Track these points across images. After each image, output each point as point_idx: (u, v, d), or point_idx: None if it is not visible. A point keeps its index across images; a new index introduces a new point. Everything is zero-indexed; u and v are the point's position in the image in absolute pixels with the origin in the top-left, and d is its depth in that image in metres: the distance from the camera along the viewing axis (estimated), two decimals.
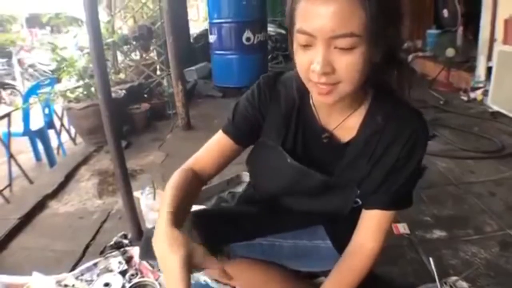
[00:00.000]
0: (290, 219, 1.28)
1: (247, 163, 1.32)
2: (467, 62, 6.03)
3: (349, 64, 0.90)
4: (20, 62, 11.12)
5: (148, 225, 2.48)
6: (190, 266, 0.90)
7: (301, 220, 1.28)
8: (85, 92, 4.43)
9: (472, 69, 5.73)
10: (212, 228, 1.12)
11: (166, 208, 1.02)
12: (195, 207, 1.99)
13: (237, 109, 1.26)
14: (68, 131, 5.31)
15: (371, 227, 1.15)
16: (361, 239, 1.15)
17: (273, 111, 1.20)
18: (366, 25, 0.87)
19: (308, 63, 0.94)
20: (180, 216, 1.03)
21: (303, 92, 1.15)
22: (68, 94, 4.51)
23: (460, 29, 6.48)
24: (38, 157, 4.91)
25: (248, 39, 6.03)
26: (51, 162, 4.70)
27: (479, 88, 5.31)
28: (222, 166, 1.28)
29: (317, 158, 1.17)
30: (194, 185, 1.19)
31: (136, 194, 2.48)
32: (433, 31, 7.55)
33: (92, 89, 4.46)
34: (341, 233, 1.23)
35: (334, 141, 1.16)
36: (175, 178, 1.16)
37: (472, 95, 5.31)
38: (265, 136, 1.23)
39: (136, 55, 6.25)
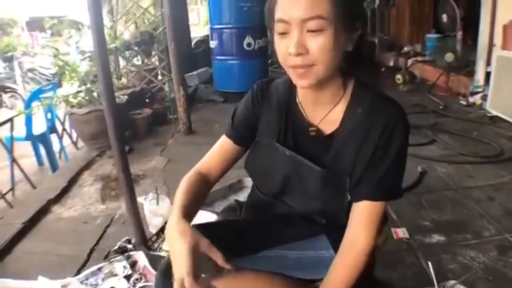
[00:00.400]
0: (294, 230, 1.31)
1: (246, 166, 1.38)
2: (466, 67, 6.06)
3: (320, 45, 1.01)
4: (20, 65, 11.14)
5: (152, 230, 2.52)
6: (196, 253, 1.01)
7: (304, 230, 1.31)
8: (87, 98, 4.46)
9: (471, 73, 5.75)
10: (219, 242, 1.13)
11: (178, 203, 1.15)
12: (204, 214, 2.04)
13: (236, 114, 1.37)
14: (70, 136, 5.34)
15: (360, 220, 1.16)
16: (352, 234, 1.17)
17: (266, 112, 1.31)
18: (331, 10, 1.00)
19: (285, 49, 1.05)
20: (189, 212, 1.15)
21: (291, 92, 1.27)
22: (71, 99, 4.54)
23: (459, 34, 6.52)
24: (40, 162, 4.94)
25: (249, 44, 6.07)
26: (53, 166, 4.73)
27: (478, 92, 5.33)
28: (226, 168, 1.37)
29: (307, 152, 1.23)
30: (202, 187, 1.29)
31: (139, 199, 2.52)
32: (432, 36, 7.58)
33: (95, 94, 4.49)
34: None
35: (320, 135, 1.22)
36: (185, 180, 1.27)
37: (471, 99, 5.34)
38: (260, 136, 1.32)
39: (138, 61, 6.28)
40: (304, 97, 1.24)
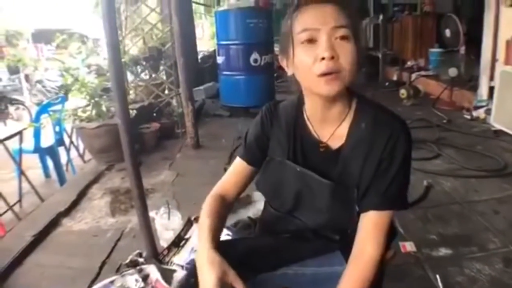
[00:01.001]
0: (310, 247, 1.35)
1: (257, 185, 1.44)
2: (470, 81, 6.11)
3: (348, 52, 1.10)
4: (28, 78, 11.24)
5: (163, 244, 2.55)
6: (223, 283, 1.12)
7: (319, 247, 1.34)
8: (94, 112, 4.52)
9: (474, 88, 5.79)
10: (239, 261, 1.20)
11: (204, 228, 1.26)
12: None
13: (247, 136, 1.45)
14: (77, 149, 5.39)
15: (368, 230, 1.19)
16: (360, 244, 1.20)
17: (276, 131, 1.37)
18: (352, 23, 1.11)
19: (313, 57, 1.10)
20: (216, 235, 1.26)
21: (299, 111, 1.33)
22: (80, 113, 4.59)
23: (462, 49, 6.57)
24: (47, 174, 4.97)
25: (255, 60, 6.14)
26: (61, 179, 4.76)
27: (481, 107, 5.38)
28: (242, 188, 1.45)
29: (317, 168, 1.28)
30: (223, 208, 1.38)
31: (150, 214, 2.55)
32: (435, 50, 7.64)
33: (103, 108, 4.55)
34: None
35: (328, 150, 1.27)
36: (207, 206, 1.36)
37: (475, 114, 5.38)
38: (271, 154, 1.38)
39: (145, 75, 6.34)
40: (312, 115, 1.29)
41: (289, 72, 1.22)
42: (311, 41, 1.11)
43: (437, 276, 1.62)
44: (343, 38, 1.10)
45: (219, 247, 1.21)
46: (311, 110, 1.29)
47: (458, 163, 3.84)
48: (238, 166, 1.44)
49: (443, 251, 2.48)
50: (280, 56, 1.26)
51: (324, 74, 1.10)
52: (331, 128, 1.26)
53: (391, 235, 1.36)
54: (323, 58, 1.08)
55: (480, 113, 5.30)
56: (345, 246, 1.28)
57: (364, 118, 1.22)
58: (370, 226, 1.19)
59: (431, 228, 2.74)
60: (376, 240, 1.18)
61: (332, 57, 1.08)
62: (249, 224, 1.63)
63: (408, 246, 2.46)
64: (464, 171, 3.67)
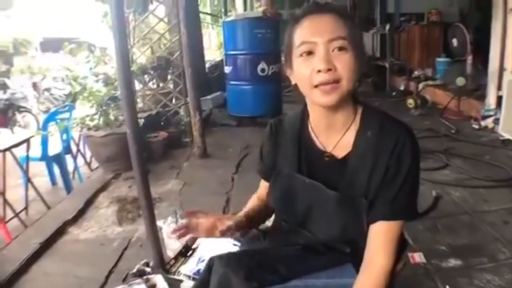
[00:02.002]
0: (321, 261, 1.33)
1: (268, 198, 1.46)
2: (477, 91, 6.09)
3: (345, 62, 1.13)
4: (35, 86, 11.31)
5: (170, 254, 2.53)
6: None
7: (331, 260, 1.33)
8: (102, 120, 4.53)
9: (482, 97, 5.77)
10: (251, 274, 1.22)
11: None
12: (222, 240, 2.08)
13: (260, 152, 1.53)
14: (84, 157, 5.41)
15: (378, 240, 1.20)
16: (370, 254, 1.20)
17: (282, 144, 1.40)
18: (350, 34, 1.14)
19: (311, 70, 1.14)
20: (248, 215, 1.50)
21: (304, 122, 1.36)
22: (88, 122, 4.61)
23: (469, 58, 6.56)
24: (54, 182, 4.97)
25: (262, 70, 6.15)
26: (68, 187, 4.77)
27: (489, 116, 5.35)
28: None
29: (322, 178, 1.29)
30: (261, 205, 1.57)
31: (158, 223, 2.54)
32: (442, 60, 7.63)
33: (111, 116, 4.57)
34: None
35: (334, 160, 1.28)
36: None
37: (483, 123, 5.35)
38: (279, 167, 1.40)
39: (153, 84, 6.37)
40: (317, 125, 1.31)
41: (293, 82, 1.26)
42: (310, 53, 1.15)
43: (447, 287, 1.60)
44: (340, 49, 1.13)
45: (229, 258, 1.25)
46: (315, 120, 1.31)
47: (466, 173, 3.81)
48: (261, 182, 1.57)
49: (453, 262, 2.46)
50: (284, 67, 1.30)
51: (322, 85, 1.14)
52: (336, 137, 1.27)
53: (401, 246, 1.36)
54: (319, 71, 1.12)
55: (488, 122, 5.27)
56: (356, 259, 1.28)
57: (370, 126, 1.23)
58: (380, 237, 1.20)
59: (441, 239, 2.72)
60: (387, 251, 1.18)
61: (329, 69, 1.12)
62: (258, 235, 1.62)
63: (418, 257, 2.44)
64: (473, 181, 3.65)
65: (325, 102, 1.16)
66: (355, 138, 1.24)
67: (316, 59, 1.13)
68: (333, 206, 1.26)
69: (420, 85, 7.41)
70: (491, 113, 5.37)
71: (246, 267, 1.24)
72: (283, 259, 1.34)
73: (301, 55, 1.16)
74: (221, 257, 1.33)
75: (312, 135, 1.33)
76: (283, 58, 1.30)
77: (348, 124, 1.26)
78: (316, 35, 1.13)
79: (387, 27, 8.64)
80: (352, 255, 1.31)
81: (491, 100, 5.48)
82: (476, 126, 5.38)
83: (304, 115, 1.36)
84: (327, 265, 1.33)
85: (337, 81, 1.13)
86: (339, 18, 1.16)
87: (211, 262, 1.33)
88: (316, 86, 1.15)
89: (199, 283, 1.39)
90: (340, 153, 1.27)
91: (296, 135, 1.36)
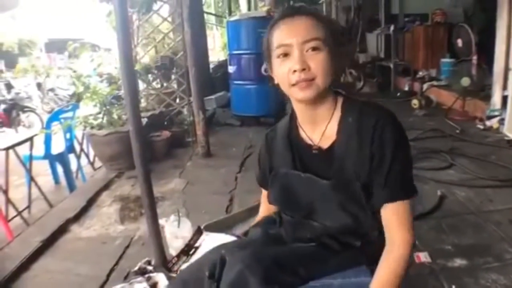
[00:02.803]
0: (337, 258, 1.33)
1: (269, 199, 1.53)
2: (482, 91, 6.05)
3: (319, 61, 1.21)
4: (39, 86, 11.35)
5: (172, 252, 2.52)
6: None
7: (346, 261, 1.33)
8: (105, 119, 4.53)
9: (487, 98, 5.72)
10: (270, 276, 1.20)
11: None
12: (224, 238, 2.06)
13: (258, 162, 1.61)
14: (87, 156, 5.41)
15: (392, 222, 1.23)
16: (391, 236, 1.24)
17: (276, 147, 1.48)
18: (324, 34, 1.22)
19: (288, 69, 1.23)
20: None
21: (292, 120, 1.43)
22: (91, 120, 4.61)
23: (474, 58, 6.52)
24: (57, 180, 4.98)
25: (266, 70, 6.05)
26: (71, 186, 4.77)
27: (495, 116, 5.31)
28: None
29: (315, 170, 1.34)
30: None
31: (160, 221, 2.52)
32: (447, 60, 7.58)
33: (115, 115, 4.56)
34: None
35: (322, 151, 1.34)
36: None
37: (488, 123, 5.31)
38: (276, 168, 1.46)
39: (157, 84, 6.37)
40: (302, 120, 1.38)
41: (275, 81, 1.33)
42: (286, 55, 1.23)
43: (453, 287, 1.57)
44: (314, 49, 1.21)
45: (245, 255, 1.28)
46: (300, 115, 1.38)
47: (472, 173, 3.77)
48: (263, 193, 1.63)
49: (458, 262, 2.43)
50: (267, 67, 1.37)
51: (298, 83, 1.22)
52: (321, 129, 1.34)
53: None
54: (295, 71, 1.21)
55: (493, 122, 5.23)
56: (368, 251, 1.31)
57: (350, 113, 1.29)
58: (392, 219, 1.24)
59: (446, 239, 2.69)
60: (404, 227, 1.22)
61: (303, 69, 1.20)
62: (273, 220, 1.62)
63: (423, 257, 2.42)
64: (478, 181, 3.61)
65: (303, 97, 1.25)
66: (338, 126, 1.30)
67: (291, 60, 1.22)
68: (330, 194, 1.29)
69: (425, 86, 7.37)
70: (496, 113, 5.33)
71: (265, 269, 1.21)
72: (301, 259, 1.32)
73: (278, 56, 1.25)
74: (237, 253, 1.31)
75: (300, 131, 1.40)
76: (264, 61, 1.37)
77: (330, 115, 1.32)
78: (291, 37, 1.22)
79: (392, 27, 8.61)
80: (365, 248, 1.32)
81: (496, 100, 5.45)
82: (481, 127, 5.33)
83: (292, 116, 1.43)
84: (342, 264, 1.33)
85: (311, 79, 1.22)
86: (313, 19, 1.24)
87: (222, 257, 1.30)
88: (293, 85, 1.23)
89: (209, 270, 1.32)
90: (326, 143, 1.33)
91: (287, 135, 1.43)
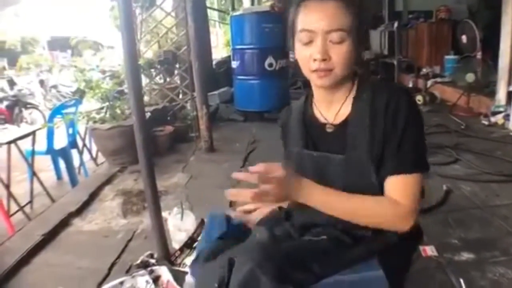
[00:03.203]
0: (350, 253, 1.29)
1: None
2: (487, 87, 6.03)
3: (340, 53, 1.20)
4: (42, 83, 11.36)
5: (175, 245, 2.50)
6: None
7: (359, 253, 1.29)
8: (108, 114, 4.51)
9: (492, 94, 5.71)
10: (283, 274, 1.11)
11: None
12: None
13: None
14: (90, 151, 5.39)
15: (396, 193, 1.22)
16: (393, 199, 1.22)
17: (290, 126, 1.48)
18: (350, 24, 1.19)
19: (309, 55, 1.22)
20: None
21: (307, 99, 1.45)
22: (94, 115, 4.59)
23: (479, 54, 6.49)
24: (59, 176, 4.96)
25: (270, 65, 6.10)
26: (73, 181, 4.76)
27: (499, 112, 5.29)
28: None
29: (328, 148, 1.34)
30: None
31: (163, 214, 2.50)
32: (451, 57, 7.57)
33: (118, 110, 4.55)
34: (394, 264, 1.28)
35: (335, 128, 1.34)
36: None
37: (493, 119, 5.29)
38: (289, 147, 1.47)
39: (160, 79, 6.35)
40: (318, 100, 1.39)
41: (296, 57, 1.31)
42: (309, 42, 1.22)
43: (461, 280, 1.54)
44: (337, 40, 1.19)
45: (255, 253, 1.17)
46: (317, 95, 1.39)
47: (477, 167, 3.75)
48: None
49: (465, 256, 2.40)
50: (289, 44, 1.34)
51: (317, 70, 1.22)
52: (336, 109, 1.34)
53: (417, 237, 1.40)
54: (315, 59, 1.21)
55: (498, 118, 5.21)
56: (383, 254, 1.28)
57: (365, 90, 1.29)
58: (397, 190, 1.22)
59: (452, 233, 2.67)
60: (407, 198, 1.21)
61: (324, 59, 1.20)
62: (279, 219, 1.56)
63: (429, 250, 2.39)
64: (484, 176, 3.58)
65: (321, 84, 1.27)
66: (352, 104, 1.30)
67: (313, 47, 1.21)
68: (342, 170, 1.29)
69: (429, 82, 7.34)
70: (501, 109, 5.31)
71: (276, 266, 1.13)
72: (314, 254, 1.26)
73: (301, 40, 1.23)
74: (245, 251, 1.22)
75: (315, 110, 1.40)
76: (291, 55, 1.35)
77: (346, 95, 1.32)
78: (316, 24, 1.19)
79: (395, 24, 8.57)
80: (375, 239, 1.29)
81: (501, 96, 5.42)
82: (486, 122, 5.31)
83: (308, 95, 1.44)
84: (355, 258, 1.28)
85: (330, 70, 1.22)
86: (342, 5, 1.19)
87: (230, 259, 1.19)
88: (312, 71, 1.24)
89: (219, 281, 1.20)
90: (339, 120, 1.33)
91: (301, 114, 1.44)
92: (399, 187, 1.22)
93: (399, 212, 1.21)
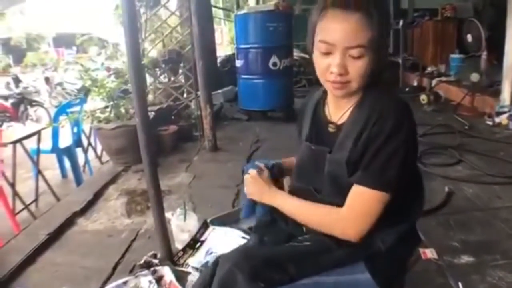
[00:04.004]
0: (331, 257, 1.33)
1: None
2: (492, 87, 6.01)
3: (358, 68, 1.19)
4: (47, 80, 11.40)
5: (178, 246, 2.52)
6: None
7: (342, 257, 1.33)
8: (112, 113, 4.54)
9: (496, 93, 5.70)
10: (257, 273, 1.22)
11: None
12: (231, 232, 2.06)
13: None
14: (94, 150, 5.43)
15: (349, 201, 1.25)
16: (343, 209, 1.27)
17: (304, 117, 1.53)
18: (371, 39, 1.17)
19: (327, 66, 1.22)
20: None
21: (322, 95, 1.46)
22: (98, 114, 4.62)
23: (484, 54, 6.47)
24: (64, 174, 5.00)
25: (274, 64, 6.08)
26: (78, 179, 4.80)
27: (504, 112, 5.28)
28: None
29: (325, 145, 1.37)
30: None
31: (166, 215, 2.52)
32: (456, 56, 7.54)
33: (122, 109, 4.57)
34: (381, 268, 1.30)
35: (336, 130, 1.36)
36: None
37: (497, 119, 5.27)
38: (302, 135, 1.51)
39: (164, 78, 6.36)
40: (330, 100, 1.41)
41: (313, 60, 1.30)
42: (327, 53, 1.21)
43: (460, 284, 1.55)
44: (356, 56, 1.18)
45: (234, 254, 1.32)
46: (329, 96, 1.41)
47: (480, 169, 3.75)
48: None
49: (465, 259, 2.41)
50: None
51: (333, 82, 1.23)
52: (343, 111, 1.35)
53: (413, 241, 1.46)
54: (332, 72, 1.21)
55: (502, 118, 5.20)
56: (370, 258, 1.30)
57: (367, 98, 1.29)
58: (349, 198, 1.25)
59: (453, 235, 2.68)
60: (353, 213, 1.24)
61: (341, 74, 1.20)
62: (269, 221, 1.60)
63: (429, 253, 2.38)
64: (486, 177, 3.59)
65: (335, 95, 1.31)
66: (352, 110, 1.32)
67: (332, 60, 1.20)
68: (328, 168, 1.33)
69: (433, 81, 7.33)
70: (506, 109, 5.30)
71: (252, 265, 1.24)
72: (293, 257, 1.32)
73: (319, 49, 1.23)
74: (227, 253, 1.36)
75: (326, 108, 1.43)
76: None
77: (354, 101, 1.32)
78: (336, 38, 1.18)
79: (401, 22, 8.55)
80: (362, 249, 1.31)
81: (505, 96, 5.43)
82: (490, 123, 5.30)
83: (324, 91, 1.45)
84: (338, 263, 1.33)
85: (347, 82, 1.22)
86: (365, 18, 1.16)
87: (218, 259, 1.34)
88: (328, 81, 1.25)
89: (203, 280, 1.38)
90: (340, 122, 1.35)
91: (313, 107, 1.48)
92: (352, 196, 1.25)
93: (335, 219, 1.27)
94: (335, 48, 1.18)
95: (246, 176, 1.52)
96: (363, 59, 1.18)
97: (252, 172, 1.50)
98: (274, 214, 1.52)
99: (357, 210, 1.24)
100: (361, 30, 1.16)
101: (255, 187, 1.48)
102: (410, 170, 1.30)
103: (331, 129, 1.38)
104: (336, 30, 1.18)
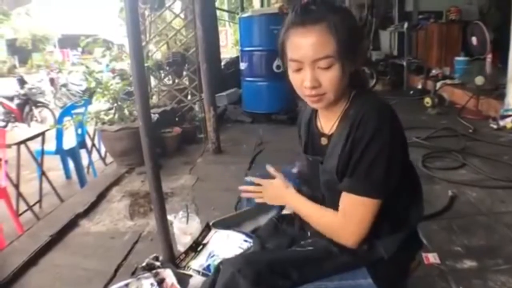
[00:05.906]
0: (333, 263, 1.33)
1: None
2: (496, 90, 5.98)
3: (330, 79, 1.22)
4: (52, 81, 11.44)
5: (180, 248, 2.52)
6: None
7: (344, 263, 1.33)
8: (116, 115, 4.55)
9: (501, 97, 5.66)
10: (260, 278, 1.23)
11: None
12: (233, 235, 2.06)
13: None
14: (98, 151, 5.45)
15: (341, 209, 1.29)
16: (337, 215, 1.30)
17: (301, 132, 1.56)
18: (337, 48, 1.18)
19: (300, 82, 1.25)
20: None
21: (314, 110, 1.48)
22: (102, 116, 4.63)
23: (489, 57, 6.45)
24: (68, 175, 5.03)
25: (278, 67, 6.02)
26: (82, 181, 4.82)
27: (508, 116, 5.24)
28: None
29: (319, 155, 1.41)
30: None
31: (169, 217, 2.52)
32: (461, 59, 7.51)
33: (126, 111, 4.58)
34: (383, 273, 1.31)
35: (328, 141, 1.39)
36: None
37: (501, 123, 5.24)
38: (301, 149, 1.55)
39: (168, 80, 6.38)
40: (321, 112, 1.44)
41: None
42: (299, 70, 1.24)
43: None
44: (325, 66, 1.20)
45: (238, 259, 1.34)
46: (319, 110, 1.44)
47: (484, 173, 3.73)
48: None
49: (468, 263, 2.40)
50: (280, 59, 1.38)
51: (310, 96, 1.26)
52: (333, 122, 1.37)
53: (415, 246, 1.44)
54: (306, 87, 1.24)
55: (507, 122, 5.16)
56: (373, 264, 1.31)
57: (354, 106, 1.30)
58: (341, 204, 1.29)
59: (456, 240, 2.66)
60: (346, 220, 1.27)
61: (314, 87, 1.22)
62: (273, 225, 1.62)
63: (432, 258, 2.39)
64: (490, 182, 3.56)
65: (315, 107, 1.38)
66: (340, 119, 1.33)
67: (303, 75, 1.23)
68: (322, 178, 1.39)
69: (438, 84, 7.30)
70: (510, 113, 5.27)
71: (255, 271, 1.24)
72: (296, 262, 1.33)
73: (291, 68, 1.27)
74: (230, 258, 1.38)
75: (317, 120, 1.46)
76: (278, 58, 1.38)
77: (342, 110, 1.33)
78: (302, 54, 1.21)
79: (405, 25, 8.55)
80: (365, 255, 1.32)
81: (510, 99, 5.39)
82: (495, 126, 5.27)
83: None
84: (340, 268, 1.33)
85: (322, 94, 1.25)
86: (326, 28, 1.19)
87: (221, 264, 1.35)
88: (306, 95, 1.28)
89: (205, 286, 1.39)
90: (331, 133, 1.37)
91: (307, 122, 1.51)
92: (344, 204, 1.28)
93: (334, 226, 1.31)
94: (304, 63, 1.22)
95: (262, 181, 1.58)
96: (333, 68, 1.20)
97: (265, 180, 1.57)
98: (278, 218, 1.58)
99: (350, 218, 1.27)
100: (324, 41, 1.18)
101: (271, 191, 1.55)
102: (407, 175, 1.33)
103: (323, 141, 1.40)
104: (301, 46, 1.21)
